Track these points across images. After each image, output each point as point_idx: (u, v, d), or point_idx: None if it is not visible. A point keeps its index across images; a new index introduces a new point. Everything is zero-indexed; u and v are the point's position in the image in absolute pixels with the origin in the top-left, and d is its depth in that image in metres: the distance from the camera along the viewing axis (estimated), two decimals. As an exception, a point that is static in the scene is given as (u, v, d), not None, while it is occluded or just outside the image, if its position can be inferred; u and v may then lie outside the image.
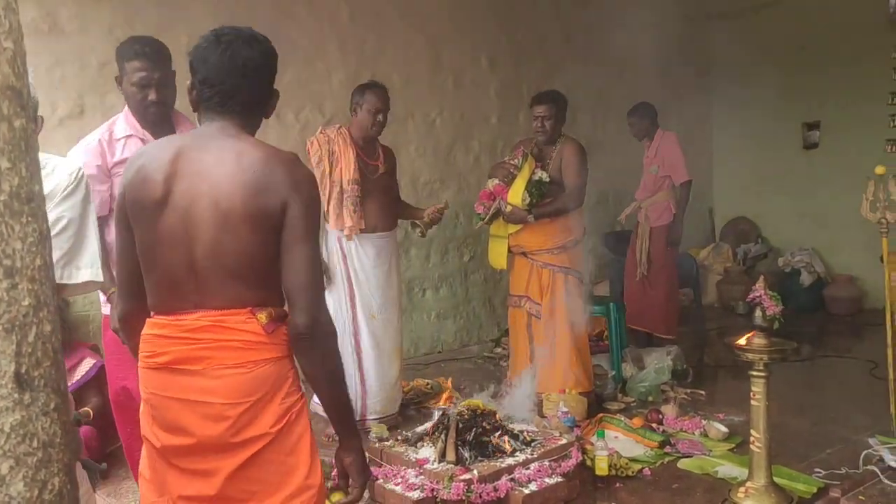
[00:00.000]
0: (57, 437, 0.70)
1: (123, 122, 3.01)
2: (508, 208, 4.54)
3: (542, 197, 4.50)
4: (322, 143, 4.21)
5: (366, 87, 4.29)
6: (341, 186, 4.14)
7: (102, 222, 2.95)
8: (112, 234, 2.95)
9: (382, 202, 4.27)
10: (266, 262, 1.77)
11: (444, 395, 4.78)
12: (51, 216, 1.63)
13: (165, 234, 1.77)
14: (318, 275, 1.81)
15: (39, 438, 0.67)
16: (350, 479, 1.89)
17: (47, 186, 1.64)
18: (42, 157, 1.55)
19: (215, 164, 1.75)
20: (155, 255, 1.80)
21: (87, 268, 1.95)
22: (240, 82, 1.80)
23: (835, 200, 7.29)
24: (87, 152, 2.92)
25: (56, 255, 1.71)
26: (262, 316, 1.77)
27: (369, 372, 4.24)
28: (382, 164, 4.32)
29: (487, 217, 4.64)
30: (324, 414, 4.28)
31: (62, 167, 2.01)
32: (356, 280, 4.23)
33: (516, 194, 4.49)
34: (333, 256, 4.28)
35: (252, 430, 1.75)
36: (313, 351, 1.78)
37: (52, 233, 1.53)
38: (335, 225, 4.23)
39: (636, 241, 5.80)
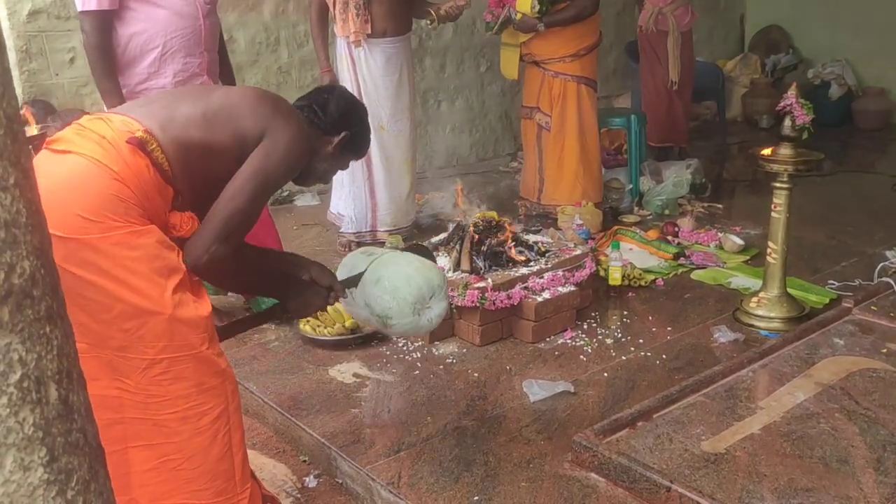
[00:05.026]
0: (21, 217, 0.64)
1: None
2: (518, 16, 4.29)
3: (552, 3, 4.23)
4: None
5: None
6: (346, -13, 3.87)
7: (112, 16, 2.80)
8: (123, 29, 2.81)
9: (392, 2, 3.97)
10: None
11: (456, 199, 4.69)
12: None
13: None
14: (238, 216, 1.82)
15: (0, 217, 0.62)
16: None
17: None
18: None
19: None
20: None
21: None
22: None
23: (874, 5, 6.86)
24: None
25: None
26: (143, 133, 1.70)
27: (379, 185, 4.17)
28: (394, -41, 3.99)
29: (496, 26, 4.40)
30: (336, 222, 4.34)
31: None
32: (364, 89, 4.05)
33: (525, 1, 4.23)
34: (342, 64, 4.09)
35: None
36: (205, 277, 1.85)
37: None
38: (341, 31, 4.00)
39: (654, 50, 5.57)
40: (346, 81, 4.09)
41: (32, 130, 3.81)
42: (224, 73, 3.24)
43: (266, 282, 2.12)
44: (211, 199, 1.87)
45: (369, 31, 3.94)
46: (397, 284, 2.17)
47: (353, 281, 2.22)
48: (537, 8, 4.20)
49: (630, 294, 3.57)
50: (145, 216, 1.67)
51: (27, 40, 4.15)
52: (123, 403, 1.67)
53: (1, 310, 0.66)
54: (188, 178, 1.78)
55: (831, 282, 3.57)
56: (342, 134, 2.02)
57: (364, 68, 4.03)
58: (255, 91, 1.95)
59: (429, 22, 4.16)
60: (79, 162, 1.62)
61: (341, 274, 2.33)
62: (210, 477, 1.77)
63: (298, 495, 2.38)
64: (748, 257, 3.96)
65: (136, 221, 1.64)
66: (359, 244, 4.26)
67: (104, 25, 2.80)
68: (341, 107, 2.03)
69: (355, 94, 4.04)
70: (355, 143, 2.10)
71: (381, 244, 4.18)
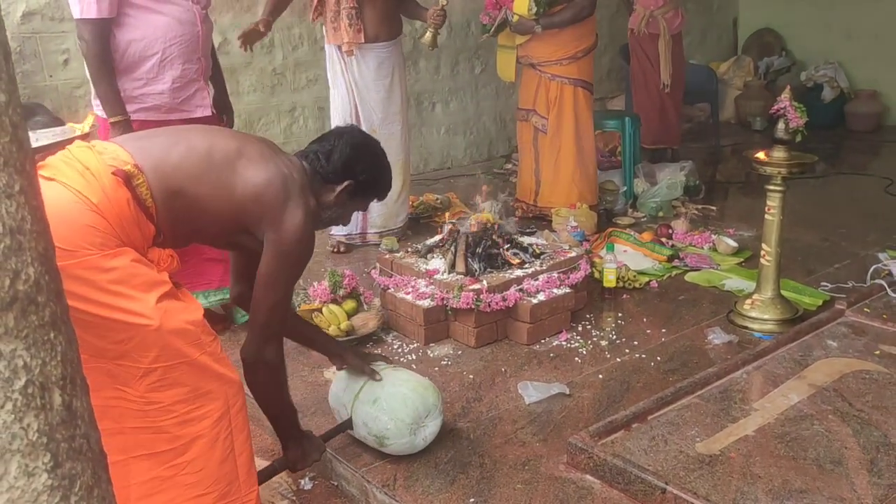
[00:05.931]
0: (26, 223, 0.65)
1: None
2: (515, 18, 4.30)
3: (549, 5, 4.24)
4: None
5: None
6: (338, -4, 3.87)
7: (111, 23, 2.77)
8: (121, 35, 2.78)
9: (384, 8, 3.98)
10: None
11: (453, 211, 4.76)
12: None
13: None
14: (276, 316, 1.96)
15: (5, 223, 0.62)
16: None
17: None
18: None
19: None
20: None
21: None
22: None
23: (866, 9, 6.90)
24: None
25: None
26: (131, 168, 1.70)
27: (369, 186, 4.17)
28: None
29: (493, 28, 4.41)
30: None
31: None
32: (357, 93, 4.06)
33: (522, 3, 4.24)
34: (334, 67, 4.10)
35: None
36: (251, 375, 1.98)
37: None
38: (333, 39, 4.02)
39: (646, 53, 5.60)
40: (339, 85, 4.10)
41: (85, 128, 3.76)
42: (214, 76, 3.24)
43: (286, 413, 2.14)
44: (193, 243, 1.97)
45: (362, 41, 3.95)
46: (394, 406, 2.25)
47: (347, 425, 2.36)
48: (534, 10, 4.21)
49: (624, 296, 3.58)
50: (122, 246, 1.67)
51: (21, 42, 4.14)
52: (123, 413, 1.68)
53: (6, 316, 0.66)
54: (170, 220, 1.78)
55: (824, 284, 3.59)
56: (345, 183, 2.00)
57: (356, 72, 4.04)
58: (271, 169, 1.86)
59: (428, 45, 4.09)
60: (59, 191, 1.61)
61: (338, 385, 2.43)
62: (213, 481, 1.77)
63: (294, 498, 2.38)
64: (742, 259, 3.98)
65: (111, 248, 1.64)
66: (349, 246, 4.27)
67: (104, 33, 2.76)
68: (345, 156, 1.99)
69: (347, 97, 4.06)
70: (366, 189, 2.07)
71: (376, 246, 4.19)
